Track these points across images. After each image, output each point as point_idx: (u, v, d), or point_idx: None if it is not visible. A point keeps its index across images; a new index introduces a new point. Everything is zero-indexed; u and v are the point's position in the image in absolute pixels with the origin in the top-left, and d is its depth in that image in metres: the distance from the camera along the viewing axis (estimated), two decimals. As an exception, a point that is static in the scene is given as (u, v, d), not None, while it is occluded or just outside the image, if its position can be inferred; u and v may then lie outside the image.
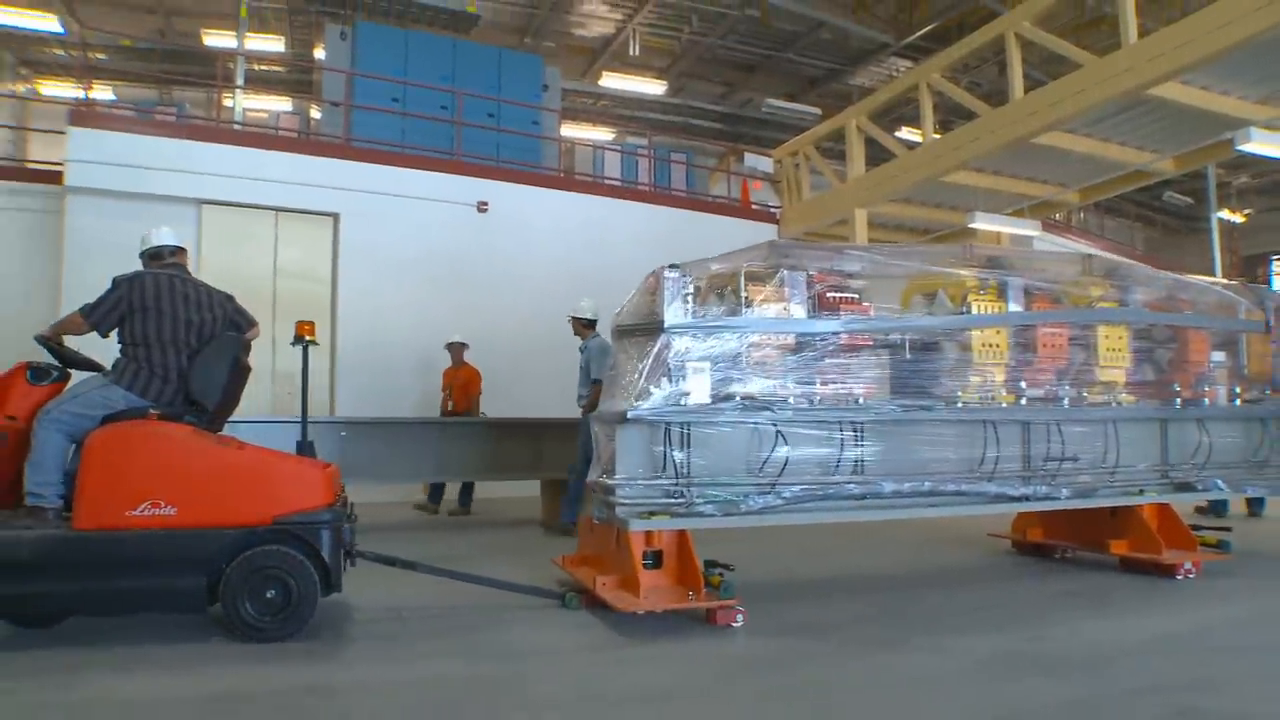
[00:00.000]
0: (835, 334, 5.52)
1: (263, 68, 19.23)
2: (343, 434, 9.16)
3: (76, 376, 4.95)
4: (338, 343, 11.81)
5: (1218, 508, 9.54)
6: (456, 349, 10.78)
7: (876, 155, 14.10)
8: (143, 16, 18.20)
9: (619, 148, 19.99)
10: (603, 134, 21.93)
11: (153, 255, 5.19)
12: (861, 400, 5.62)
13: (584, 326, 8.70)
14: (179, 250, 5.26)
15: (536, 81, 15.70)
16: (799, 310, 5.51)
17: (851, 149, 13.94)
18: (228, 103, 15.47)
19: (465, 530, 9.31)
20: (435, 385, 10.79)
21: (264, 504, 4.57)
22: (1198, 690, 3.88)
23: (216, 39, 17.82)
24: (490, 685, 4.03)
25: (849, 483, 5.50)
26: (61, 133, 10.96)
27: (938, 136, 12.51)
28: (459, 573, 5.41)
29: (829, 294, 5.65)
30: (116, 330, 4.90)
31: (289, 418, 9.14)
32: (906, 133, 17.55)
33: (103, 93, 18.79)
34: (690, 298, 5.30)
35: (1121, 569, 6.50)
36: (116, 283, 4.92)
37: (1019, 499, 5.97)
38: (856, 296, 5.74)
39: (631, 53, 19.01)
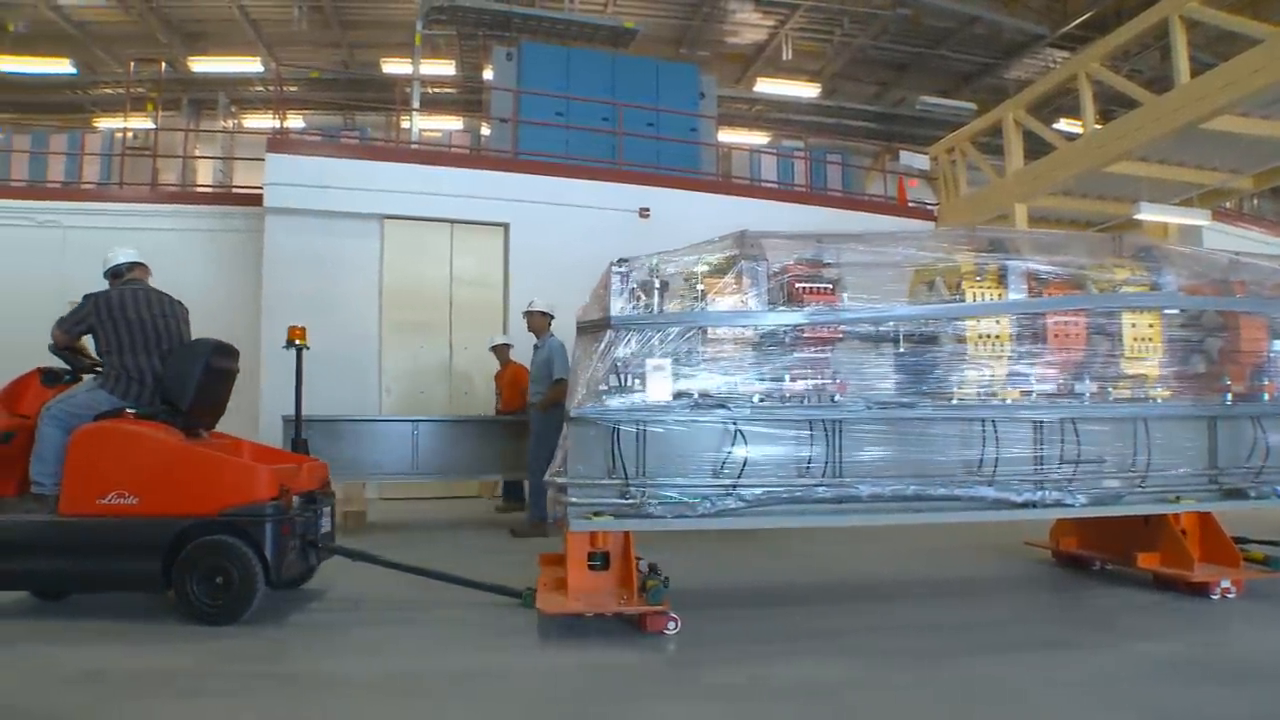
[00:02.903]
0: (797, 327, 5.10)
1: (436, 90, 20.43)
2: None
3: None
4: (511, 345, 12.51)
5: None
6: (501, 349, 10.92)
7: (1035, 148, 13.80)
8: (329, 50, 19.89)
9: (775, 150, 20.34)
10: (759, 138, 22.19)
11: (114, 274, 5.55)
12: (836, 397, 5.14)
13: (543, 321, 8.85)
14: (137, 265, 5.60)
15: (693, 90, 16.13)
16: (758, 302, 5.12)
17: (1009, 143, 13.73)
18: (405, 124, 16.46)
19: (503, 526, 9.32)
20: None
21: (212, 497, 4.85)
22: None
23: (394, 66, 19.19)
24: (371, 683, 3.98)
25: (819, 485, 5.09)
26: (261, 160, 12.07)
27: (1099, 127, 12.16)
28: (420, 568, 5.41)
29: (797, 284, 5.21)
30: (94, 340, 5.31)
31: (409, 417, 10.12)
32: (1065, 124, 17.05)
33: (295, 121, 20.44)
34: (657, 291, 5.05)
35: (1155, 585, 5.74)
36: (86, 298, 5.32)
37: (1022, 505, 5.27)
38: (829, 287, 5.23)
39: (784, 57, 19.21)
